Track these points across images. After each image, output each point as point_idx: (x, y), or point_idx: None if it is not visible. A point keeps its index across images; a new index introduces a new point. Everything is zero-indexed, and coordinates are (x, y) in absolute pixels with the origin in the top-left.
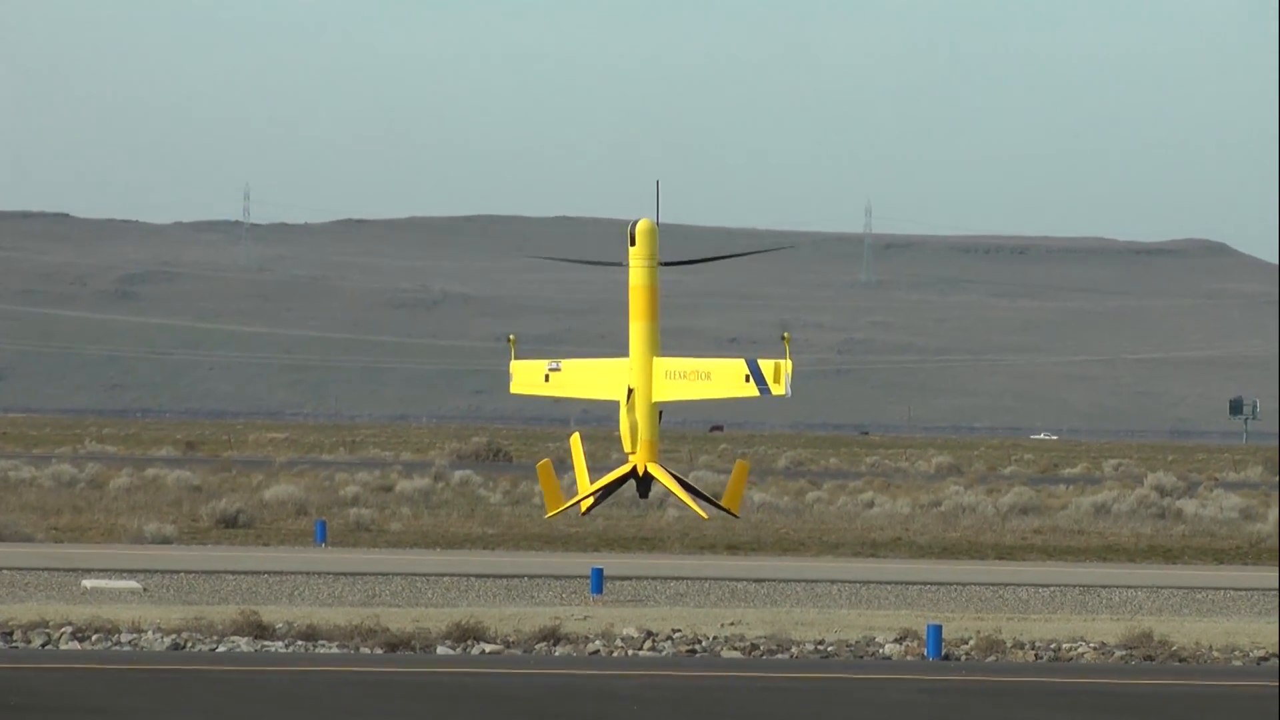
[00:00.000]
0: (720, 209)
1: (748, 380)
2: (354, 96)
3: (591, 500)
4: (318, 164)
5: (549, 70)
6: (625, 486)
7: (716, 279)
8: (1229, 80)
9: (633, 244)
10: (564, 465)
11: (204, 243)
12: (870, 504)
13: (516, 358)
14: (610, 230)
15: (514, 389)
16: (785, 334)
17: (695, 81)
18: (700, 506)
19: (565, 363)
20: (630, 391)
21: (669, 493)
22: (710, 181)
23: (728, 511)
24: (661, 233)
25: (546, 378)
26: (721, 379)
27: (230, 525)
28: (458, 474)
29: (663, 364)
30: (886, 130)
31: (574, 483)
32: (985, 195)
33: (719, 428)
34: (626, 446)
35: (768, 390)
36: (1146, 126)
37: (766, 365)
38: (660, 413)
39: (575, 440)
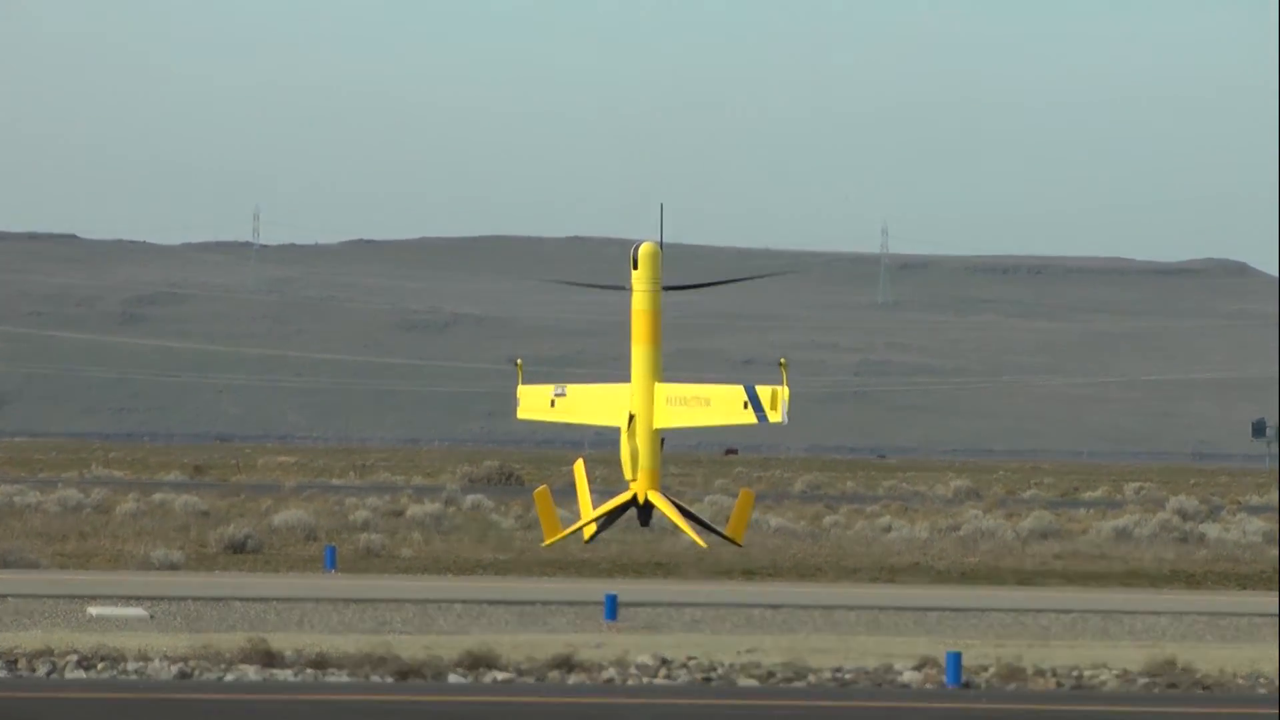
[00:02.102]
0: (734, 229)
1: (746, 407)
2: (365, 115)
3: (594, 528)
4: (328, 184)
5: (562, 88)
6: (627, 514)
7: (731, 300)
8: (1249, 100)
9: (635, 268)
10: (570, 492)
11: (213, 264)
12: (888, 528)
13: (524, 382)
14: (625, 251)
15: (521, 414)
16: (782, 360)
17: (710, 100)
18: (700, 535)
19: (570, 388)
20: (631, 418)
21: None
22: (724, 201)
23: (731, 541)
24: (673, 253)
25: (552, 403)
26: (721, 405)
27: (238, 551)
28: (469, 498)
29: (664, 390)
30: (903, 149)
31: (569, 513)
32: (1002, 215)
33: (734, 451)
34: (627, 474)
35: (765, 417)
36: (1166, 145)
37: (764, 392)
38: (662, 440)
39: (579, 467)
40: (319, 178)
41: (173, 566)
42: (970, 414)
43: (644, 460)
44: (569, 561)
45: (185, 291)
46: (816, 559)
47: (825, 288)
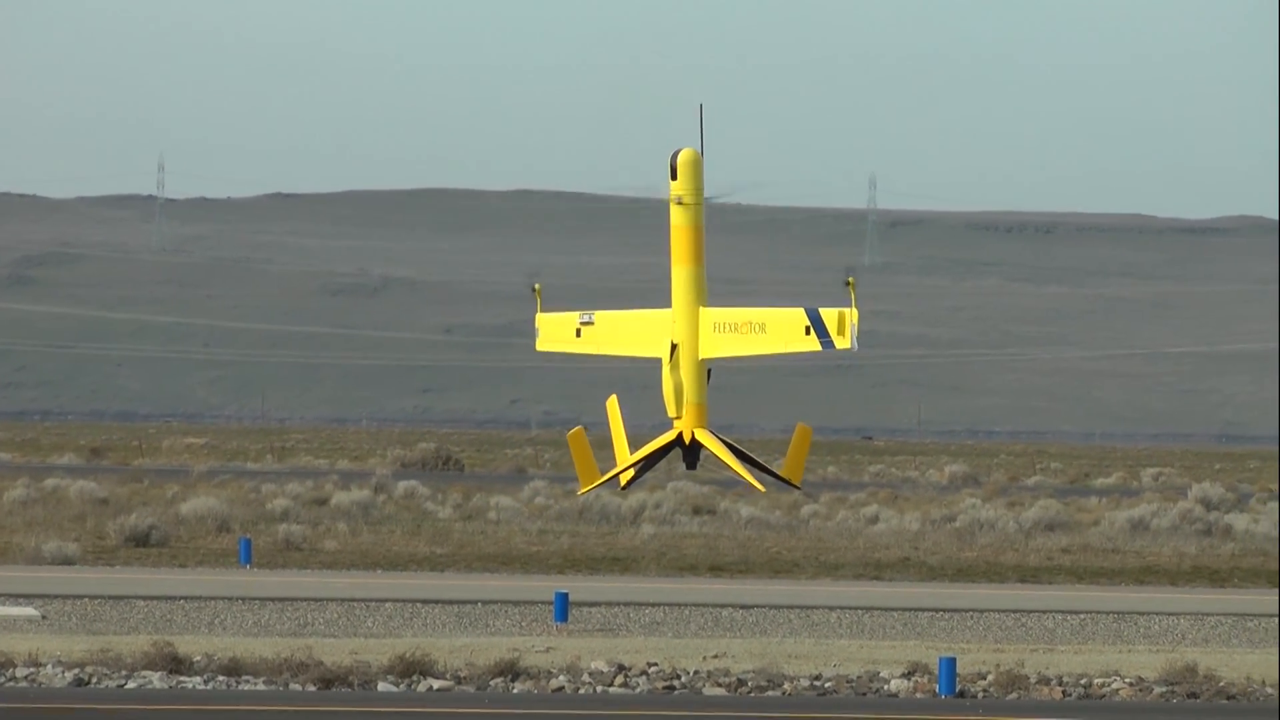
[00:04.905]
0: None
1: (808, 332)
2: (283, 52)
3: (632, 473)
4: (241, 130)
5: (505, 22)
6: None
7: None
8: None
9: (674, 177)
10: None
11: (111, 220)
12: (874, 519)
13: (544, 309)
14: (582, 207)
15: (540, 346)
16: (850, 278)
17: (676, 37)
18: (756, 478)
19: (600, 315)
20: (674, 347)
21: (722, 472)
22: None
23: (788, 483)
24: (632, 208)
25: (578, 332)
26: (778, 331)
27: (141, 544)
28: (402, 485)
29: (710, 315)
30: (893, 92)
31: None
32: (1007, 165)
33: None
34: (670, 411)
35: (831, 343)
36: (1191, 90)
37: (829, 314)
38: (709, 372)
39: (613, 404)
40: (231, 123)
41: (67, 561)
42: (969, 390)
43: (689, 394)
44: (514, 556)
45: (79, 251)
46: (793, 553)
47: (804, 248)
